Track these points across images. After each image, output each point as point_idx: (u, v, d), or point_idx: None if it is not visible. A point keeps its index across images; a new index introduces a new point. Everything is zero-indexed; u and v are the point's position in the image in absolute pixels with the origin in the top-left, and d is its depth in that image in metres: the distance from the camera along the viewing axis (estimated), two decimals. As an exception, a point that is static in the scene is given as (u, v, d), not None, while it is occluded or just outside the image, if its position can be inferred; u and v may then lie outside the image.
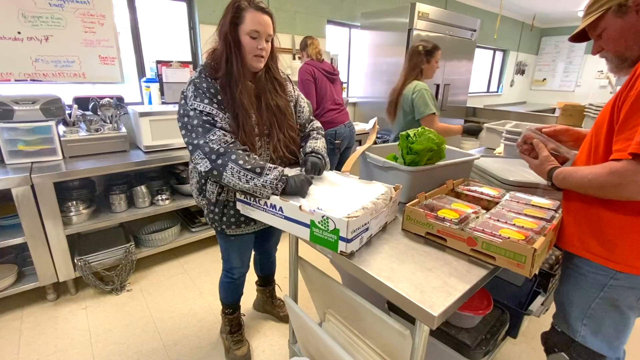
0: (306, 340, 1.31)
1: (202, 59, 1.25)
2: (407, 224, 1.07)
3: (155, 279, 2.25)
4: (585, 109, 3.46)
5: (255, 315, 1.94)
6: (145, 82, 2.58)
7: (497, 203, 1.14)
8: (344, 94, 3.90)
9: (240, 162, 1.09)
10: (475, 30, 3.88)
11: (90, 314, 1.92)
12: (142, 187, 2.26)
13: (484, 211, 1.07)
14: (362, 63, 3.90)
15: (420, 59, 2.15)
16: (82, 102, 2.25)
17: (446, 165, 1.33)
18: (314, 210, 0.95)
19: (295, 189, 1.09)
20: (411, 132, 1.31)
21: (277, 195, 1.08)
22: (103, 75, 2.37)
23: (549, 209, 1.08)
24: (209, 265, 2.40)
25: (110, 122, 2.21)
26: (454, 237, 0.95)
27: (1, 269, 1.94)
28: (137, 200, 2.26)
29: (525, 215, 1.04)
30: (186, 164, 2.35)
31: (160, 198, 2.32)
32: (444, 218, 0.99)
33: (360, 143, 3.17)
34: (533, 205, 1.11)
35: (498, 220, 1.00)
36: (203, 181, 1.30)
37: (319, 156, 1.29)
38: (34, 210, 1.79)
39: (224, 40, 1.16)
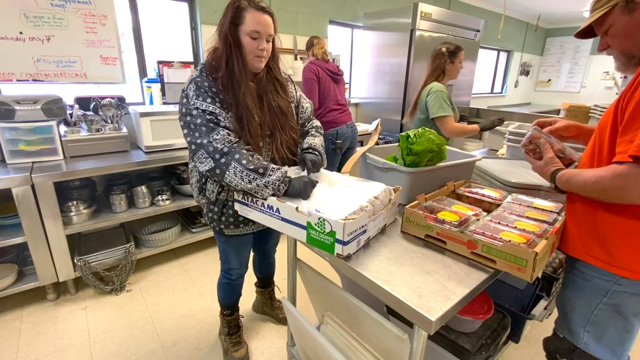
0: (304, 342, 1.30)
1: (203, 58, 1.24)
2: (406, 226, 1.05)
3: (155, 279, 2.24)
4: (591, 110, 3.42)
5: (254, 316, 1.93)
6: (146, 82, 2.59)
7: (498, 205, 1.12)
8: (346, 95, 3.89)
9: (244, 161, 1.08)
10: (478, 31, 3.85)
11: (90, 314, 1.91)
12: (143, 187, 2.26)
13: (485, 213, 1.05)
14: (365, 64, 3.89)
15: (443, 60, 2.16)
16: (83, 102, 2.25)
17: (447, 167, 1.32)
18: (310, 212, 0.94)
19: (299, 191, 1.08)
20: (411, 132, 1.29)
21: (279, 196, 1.06)
22: (104, 75, 2.38)
23: (551, 211, 1.05)
24: (209, 266, 2.39)
25: (111, 122, 2.21)
26: (454, 239, 0.93)
27: (1, 269, 1.94)
28: (137, 201, 2.26)
29: (527, 217, 1.01)
30: (187, 164, 2.34)
31: (160, 198, 2.31)
32: (443, 220, 0.98)
33: (362, 144, 3.16)
34: (535, 207, 1.09)
35: (499, 222, 0.98)
36: (203, 180, 1.28)
37: (316, 152, 1.28)
38: (34, 210, 1.79)
39: (224, 41, 1.14)
